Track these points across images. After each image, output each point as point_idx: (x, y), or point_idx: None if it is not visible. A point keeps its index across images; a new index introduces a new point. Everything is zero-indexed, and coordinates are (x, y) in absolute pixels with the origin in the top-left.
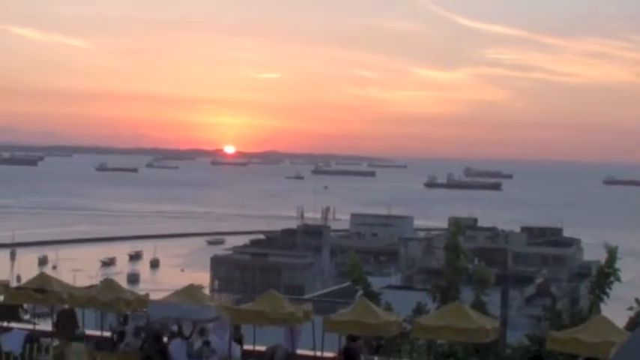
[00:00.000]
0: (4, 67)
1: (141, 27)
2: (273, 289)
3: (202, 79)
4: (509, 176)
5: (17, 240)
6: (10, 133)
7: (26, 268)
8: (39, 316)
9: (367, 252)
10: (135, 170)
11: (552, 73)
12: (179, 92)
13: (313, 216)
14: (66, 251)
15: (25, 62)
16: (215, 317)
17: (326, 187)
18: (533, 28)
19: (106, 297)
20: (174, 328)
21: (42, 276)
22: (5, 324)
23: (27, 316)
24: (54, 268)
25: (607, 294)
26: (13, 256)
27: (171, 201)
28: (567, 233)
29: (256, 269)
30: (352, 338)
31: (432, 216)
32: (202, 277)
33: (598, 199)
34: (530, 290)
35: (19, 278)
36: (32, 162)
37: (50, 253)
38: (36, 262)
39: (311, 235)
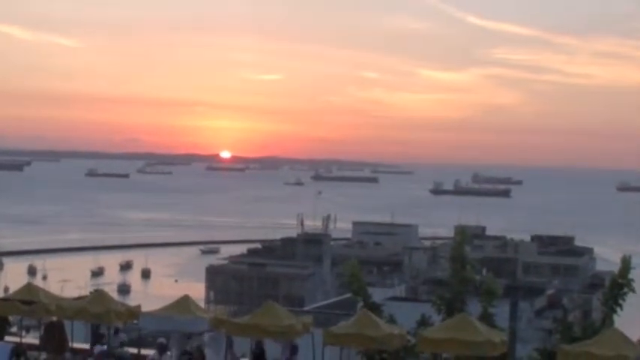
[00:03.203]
0: None
1: (134, 27)
2: (272, 301)
3: (198, 81)
4: (519, 182)
5: (4, 249)
6: None
7: (15, 278)
8: (26, 328)
9: (370, 262)
10: (126, 176)
11: (566, 74)
12: (173, 95)
13: (314, 224)
14: (54, 260)
15: (11, 62)
16: (208, 330)
17: (320, 193)
18: (546, 27)
19: (96, 309)
20: (162, 340)
21: (29, 287)
22: None
23: (13, 329)
24: (44, 278)
25: (620, 306)
26: (0, 266)
27: (164, 208)
28: (579, 242)
29: (254, 280)
30: None
31: (438, 224)
32: (197, 288)
33: (611, 206)
34: (540, 302)
35: (6, 289)
36: (18, 167)
37: (38, 262)
38: (25, 272)
39: (311, 244)
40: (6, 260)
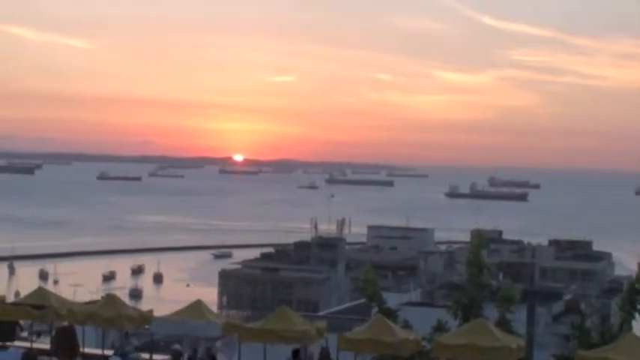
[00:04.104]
0: None
1: (145, 27)
2: (285, 306)
3: (211, 83)
4: (537, 186)
5: (16, 253)
6: (5, 139)
7: (26, 282)
8: (37, 333)
9: (385, 266)
10: (138, 179)
11: (583, 76)
12: (186, 97)
13: (328, 228)
14: (65, 265)
15: (21, 64)
16: (220, 335)
17: (332, 196)
18: (563, 28)
19: (108, 313)
20: (177, 347)
21: (40, 291)
22: (1, 343)
23: (24, 334)
24: (55, 282)
25: (638, 311)
26: (12, 270)
27: (176, 211)
28: (597, 246)
29: (267, 284)
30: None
31: (454, 228)
32: (209, 293)
33: (630, 209)
34: (558, 307)
35: (17, 294)
36: (29, 170)
37: (49, 266)
38: (36, 276)
39: (325, 248)
40: (17, 264)
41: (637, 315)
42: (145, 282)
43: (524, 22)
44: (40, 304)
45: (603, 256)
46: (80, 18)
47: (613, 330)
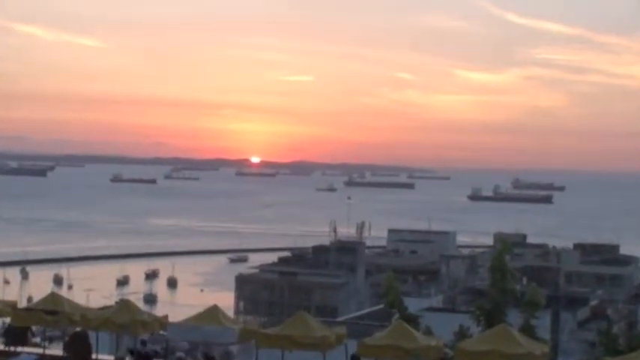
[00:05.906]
0: (9, 69)
1: (158, 26)
2: (304, 311)
3: (226, 82)
4: (562, 188)
5: (29, 257)
6: (17, 141)
7: (39, 287)
8: (50, 339)
9: (405, 271)
10: (153, 181)
11: (611, 75)
12: (200, 96)
13: (347, 231)
14: (79, 269)
15: (31, 63)
16: (237, 341)
17: (349, 199)
18: (589, 25)
19: (122, 319)
20: (181, 354)
21: (53, 296)
22: (12, 348)
23: (37, 340)
24: (69, 288)
25: None
26: (24, 275)
27: (191, 215)
28: (624, 250)
29: (285, 289)
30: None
31: (477, 232)
32: (225, 298)
33: None
34: (583, 313)
35: (30, 299)
36: (41, 172)
37: (62, 270)
38: (50, 281)
39: (344, 252)
40: (30, 269)
41: None
42: (160, 287)
43: (550, 19)
44: (52, 310)
45: (630, 261)
46: (92, 17)
47: None
